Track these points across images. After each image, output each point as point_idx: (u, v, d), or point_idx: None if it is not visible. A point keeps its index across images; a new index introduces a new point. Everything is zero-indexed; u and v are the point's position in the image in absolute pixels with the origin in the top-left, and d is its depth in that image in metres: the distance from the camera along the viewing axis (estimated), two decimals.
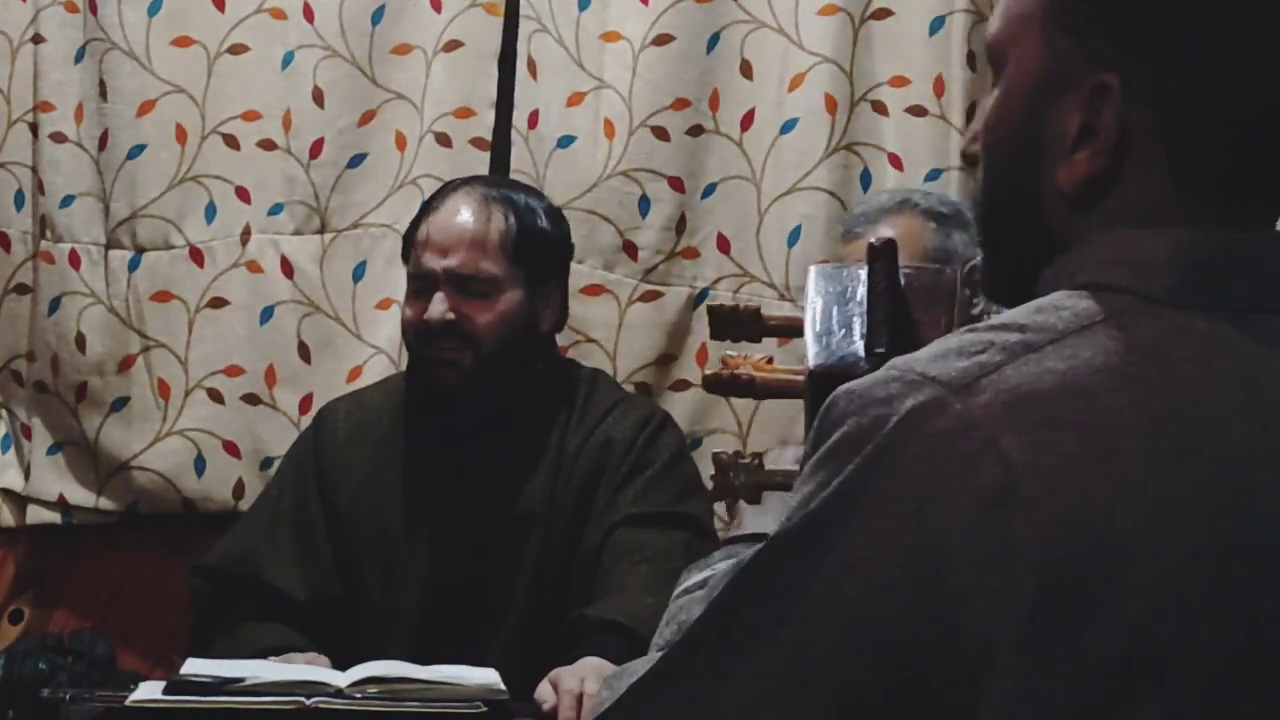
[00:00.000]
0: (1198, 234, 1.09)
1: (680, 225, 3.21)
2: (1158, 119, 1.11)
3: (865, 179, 3.17)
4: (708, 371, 1.31)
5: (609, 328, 3.22)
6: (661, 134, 3.19)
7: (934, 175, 3.13)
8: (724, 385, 1.28)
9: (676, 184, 3.19)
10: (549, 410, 2.80)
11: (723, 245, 3.21)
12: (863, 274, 1.26)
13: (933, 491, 1.02)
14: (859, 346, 1.23)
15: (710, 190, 3.21)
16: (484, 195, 2.77)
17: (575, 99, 3.21)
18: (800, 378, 1.23)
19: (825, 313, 1.25)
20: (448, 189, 2.83)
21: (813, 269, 1.30)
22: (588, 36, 3.21)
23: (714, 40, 3.18)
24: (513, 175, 3.23)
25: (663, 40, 3.18)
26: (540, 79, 3.23)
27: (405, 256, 2.81)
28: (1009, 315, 1.10)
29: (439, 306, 2.70)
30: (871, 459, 1.03)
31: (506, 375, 2.73)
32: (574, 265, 3.18)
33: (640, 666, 1.11)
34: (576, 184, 3.21)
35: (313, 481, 2.84)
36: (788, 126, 3.18)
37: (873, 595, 1.02)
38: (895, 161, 3.15)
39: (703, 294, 3.22)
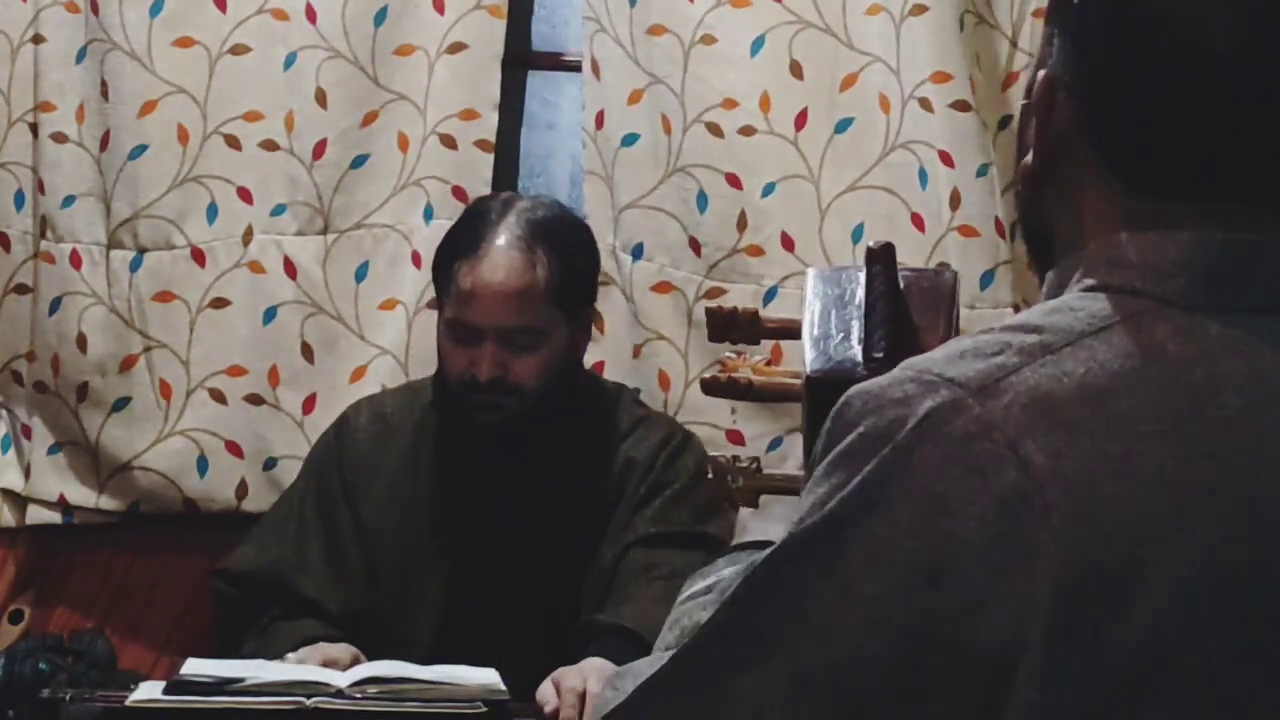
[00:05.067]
0: (1205, 236, 1.08)
1: (741, 221, 3.20)
2: (1085, 113, 1.11)
3: (923, 177, 3.15)
4: (705, 375, 1.30)
5: (678, 325, 3.22)
6: (715, 130, 3.18)
7: (982, 171, 3.12)
8: (722, 389, 1.27)
9: (734, 180, 3.18)
10: (574, 430, 2.79)
11: (787, 244, 3.19)
12: (862, 277, 1.25)
13: (951, 495, 1.01)
14: (857, 351, 1.21)
15: (769, 190, 3.19)
16: (525, 239, 2.69)
17: (634, 96, 3.21)
18: (800, 381, 1.22)
19: (823, 316, 1.24)
20: (482, 224, 2.73)
21: (811, 271, 1.29)
22: (639, 32, 3.21)
23: (759, 43, 3.17)
24: (587, 177, 3.25)
25: (709, 40, 3.17)
26: (603, 78, 3.23)
27: (439, 289, 2.75)
28: (1023, 316, 1.10)
29: (488, 365, 2.67)
30: (889, 461, 1.02)
31: (548, 413, 2.72)
32: (643, 263, 3.18)
33: (645, 667, 1.11)
34: (642, 182, 3.21)
35: (339, 490, 2.82)
36: (842, 126, 3.17)
37: (889, 598, 1.01)
38: (946, 159, 3.13)
39: (771, 291, 3.19)
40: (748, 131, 3.18)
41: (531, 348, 2.69)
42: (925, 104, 3.14)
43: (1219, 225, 1.09)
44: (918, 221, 3.15)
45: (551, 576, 2.73)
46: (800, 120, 3.18)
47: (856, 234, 3.18)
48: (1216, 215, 1.09)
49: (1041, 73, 1.13)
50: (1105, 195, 1.11)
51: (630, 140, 3.22)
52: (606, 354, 3.21)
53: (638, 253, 3.22)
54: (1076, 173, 1.12)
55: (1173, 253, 1.08)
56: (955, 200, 3.13)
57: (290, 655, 2.57)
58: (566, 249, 2.73)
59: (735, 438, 3.14)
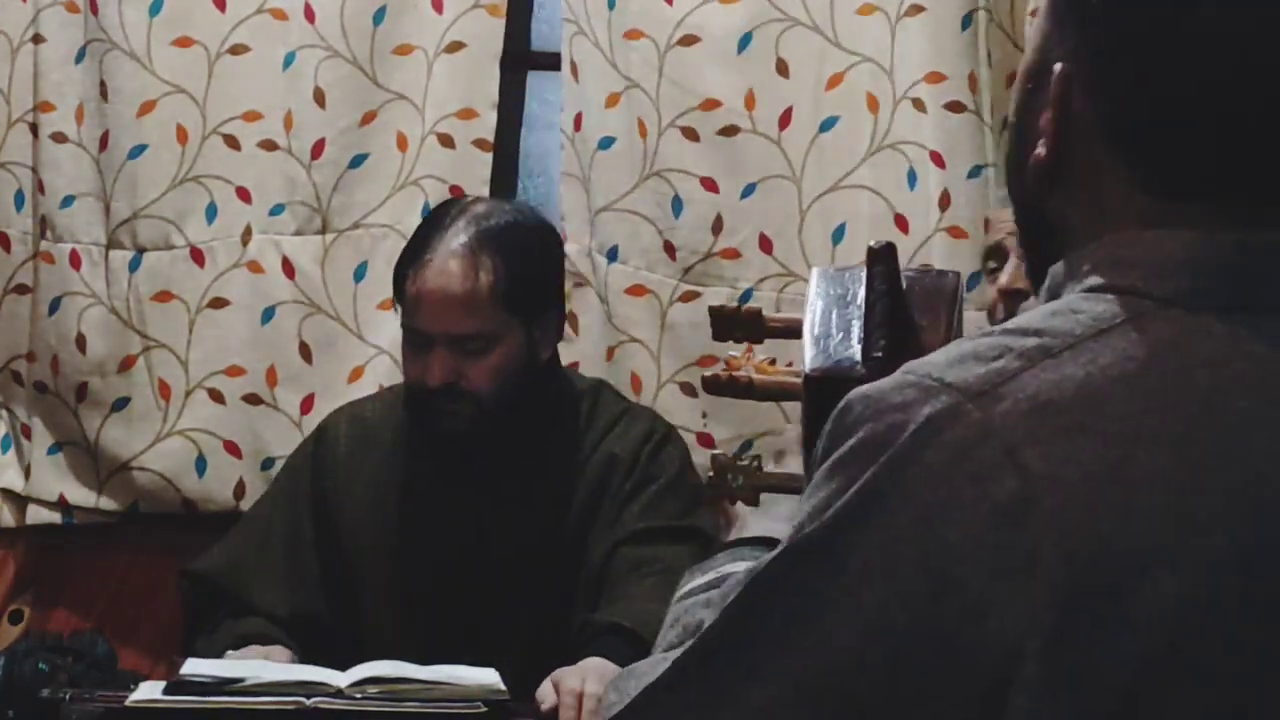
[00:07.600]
0: (1210, 235, 1.07)
1: (716, 225, 3.19)
2: (1099, 109, 1.09)
3: (911, 177, 3.15)
4: (707, 373, 1.30)
5: (652, 328, 3.21)
6: (690, 134, 3.18)
7: (975, 172, 3.11)
8: (722, 387, 1.27)
9: (709, 184, 3.18)
10: (552, 428, 2.79)
11: (765, 245, 3.19)
12: (865, 276, 1.25)
13: (950, 503, 1.00)
14: (856, 351, 1.21)
15: (749, 190, 3.19)
16: (472, 244, 2.68)
17: (612, 100, 3.21)
18: (800, 380, 1.22)
19: (824, 315, 1.24)
20: (434, 231, 2.72)
21: (815, 271, 1.29)
22: (617, 35, 3.20)
23: (746, 39, 3.17)
24: (563, 179, 3.24)
25: (689, 40, 3.17)
26: (581, 81, 3.23)
27: (396, 293, 2.75)
28: (1023, 319, 1.08)
29: (438, 370, 2.67)
30: (888, 467, 1.02)
31: (508, 416, 2.72)
32: (618, 266, 3.18)
33: (648, 669, 1.10)
34: (618, 185, 3.20)
35: (308, 500, 2.82)
36: (827, 125, 3.17)
37: (890, 605, 1.00)
38: (937, 159, 3.12)
39: (746, 294, 3.18)
40: (730, 131, 3.17)
41: (482, 352, 2.68)
42: (919, 104, 3.13)
43: (1230, 224, 1.07)
44: (901, 223, 3.15)
45: (538, 576, 2.73)
46: (785, 119, 3.18)
47: (837, 235, 3.17)
48: (1230, 215, 1.07)
49: (1058, 66, 1.10)
50: (1117, 192, 1.09)
51: (607, 143, 3.21)
52: (581, 355, 3.20)
53: (613, 255, 3.21)
54: (1088, 169, 1.10)
55: (1178, 253, 1.07)
56: (945, 201, 3.12)
57: (230, 653, 2.58)
58: (517, 254, 2.70)
59: (706, 440, 3.12)
